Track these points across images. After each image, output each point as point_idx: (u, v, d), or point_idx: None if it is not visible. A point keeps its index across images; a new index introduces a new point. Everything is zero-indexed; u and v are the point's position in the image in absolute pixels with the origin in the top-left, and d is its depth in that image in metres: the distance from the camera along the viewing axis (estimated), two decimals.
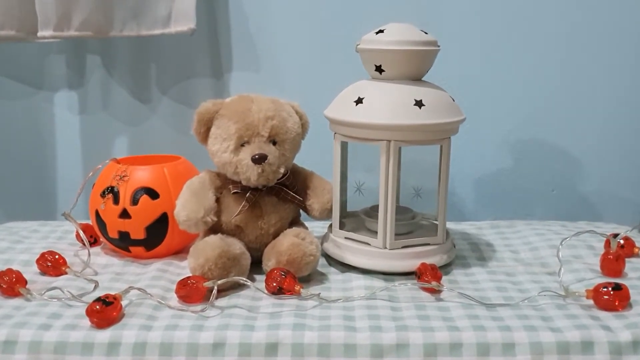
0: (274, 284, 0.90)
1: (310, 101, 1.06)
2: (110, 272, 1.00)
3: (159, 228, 1.02)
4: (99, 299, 0.82)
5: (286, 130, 0.98)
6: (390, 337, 0.79)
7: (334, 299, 0.89)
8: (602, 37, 1.31)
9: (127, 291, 0.87)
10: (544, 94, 1.34)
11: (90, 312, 0.81)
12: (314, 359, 0.78)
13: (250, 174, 0.95)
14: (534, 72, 1.33)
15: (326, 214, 1.03)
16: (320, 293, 0.90)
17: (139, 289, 0.89)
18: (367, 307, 0.87)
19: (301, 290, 0.90)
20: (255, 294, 0.92)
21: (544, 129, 1.36)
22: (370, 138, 0.94)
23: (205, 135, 0.99)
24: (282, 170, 0.98)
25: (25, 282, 0.93)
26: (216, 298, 0.87)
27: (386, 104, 0.93)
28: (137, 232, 1.02)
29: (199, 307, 0.86)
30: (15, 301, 0.89)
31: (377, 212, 1.02)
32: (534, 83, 1.34)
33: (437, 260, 0.98)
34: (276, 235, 0.99)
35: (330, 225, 1.06)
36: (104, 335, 0.79)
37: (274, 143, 0.97)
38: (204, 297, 0.88)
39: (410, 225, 1.04)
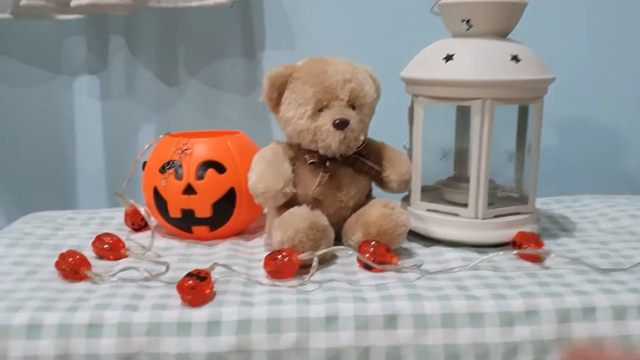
0: (367, 255, 0.82)
1: None
2: (175, 254, 0.91)
3: (226, 205, 0.93)
4: (190, 274, 0.73)
5: (365, 95, 0.90)
6: (518, 304, 0.72)
7: (435, 270, 0.82)
8: None
9: (212, 268, 0.78)
10: (587, 70, 1.29)
11: (182, 289, 0.72)
12: (438, 330, 0.71)
13: (331, 141, 0.88)
14: (578, 46, 1.28)
15: (404, 186, 0.95)
16: (421, 264, 0.82)
17: (224, 265, 0.80)
18: (476, 277, 0.80)
19: (398, 262, 0.82)
20: (347, 268, 0.84)
21: (588, 106, 1.31)
22: (462, 97, 0.87)
23: (277, 102, 0.91)
24: (362, 138, 0.90)
25: (89, 264, 0.83)
26: (316, 271, 0.79)
27: (481, 59, 0.86)
28: (203, 210, 0.92)
29: (292, 282, 0.78)
30: (82, 285, 0.80)
31: (457, 182, 0.96)
32: (578, 58, 1.29)
33: (529, 229, 0.91)
34: (355, 208, 0.92)
35: (405, 198, 0.99)
36: (201, 314, 0.71)
37: (353, 108, 0.90)
38: (295, 271, 0.80)
39: (492, 196, 0.97)
